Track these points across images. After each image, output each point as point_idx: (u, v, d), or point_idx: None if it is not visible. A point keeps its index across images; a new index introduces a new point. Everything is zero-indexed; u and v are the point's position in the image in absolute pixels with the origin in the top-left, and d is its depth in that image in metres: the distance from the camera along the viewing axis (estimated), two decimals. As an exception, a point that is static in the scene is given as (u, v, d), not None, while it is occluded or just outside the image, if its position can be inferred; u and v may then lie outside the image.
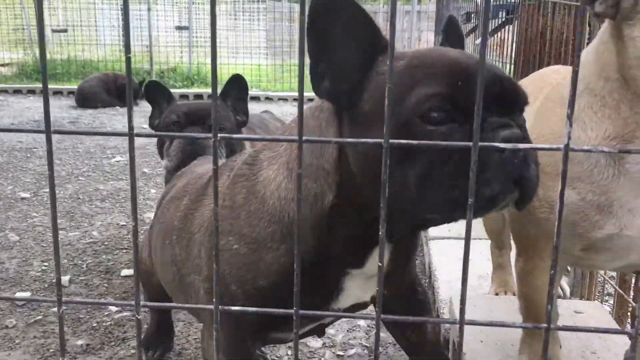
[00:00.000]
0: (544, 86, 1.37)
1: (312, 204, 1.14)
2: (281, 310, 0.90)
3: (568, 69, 1.28)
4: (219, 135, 0.80)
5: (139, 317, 0.80)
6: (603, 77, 1.12)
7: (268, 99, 9.58)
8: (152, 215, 3.67)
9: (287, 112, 8.20)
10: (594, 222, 1.18)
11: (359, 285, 1.23)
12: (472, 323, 0.82)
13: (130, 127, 0.82)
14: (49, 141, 0.71)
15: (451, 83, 0.95)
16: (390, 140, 0.77)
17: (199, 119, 2.43)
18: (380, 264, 0.70)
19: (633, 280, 1.98)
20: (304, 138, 0.76)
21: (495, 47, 4.65)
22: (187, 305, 0.90)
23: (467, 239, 0.71)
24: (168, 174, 2.79)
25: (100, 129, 6.47)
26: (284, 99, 9.54)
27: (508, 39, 4.25)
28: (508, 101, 0.99)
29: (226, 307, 0.75)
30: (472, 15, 5.19)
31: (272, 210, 1.19)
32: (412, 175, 0.97)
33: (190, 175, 1.73)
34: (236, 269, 1.22)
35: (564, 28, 2.73)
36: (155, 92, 2.61)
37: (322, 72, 1.06)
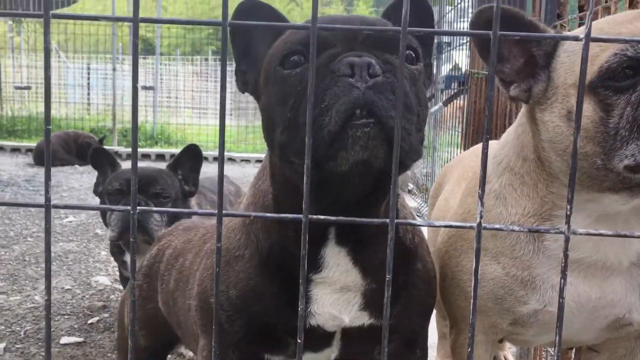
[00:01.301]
0: (474, 165, 1.42)
1: (262, 199, 1.23)
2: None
3: (498, 143, 1.33)
4: (137, 208, 0.80)
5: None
6: (522, 156, 1.16)
7: (231, 159, 9.60)
8: (100, 278, 3.59)
9: (249, 173, 8.22)
10: (518, 297, 1.20)
11: (330, 299, 1.19)
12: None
13: (47, 199, 0.81)
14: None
15: (306, 33, 0.99)
16: (310, 215, 0.79)
17: (143, 187, 2.41)
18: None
19: (573, 353, 1.99)
20: (224, 212, 0.78)
21: (457, 114, 4.81)
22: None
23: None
24: (112, 244, 2.74)
25: (55, 187, 6.36)
26: (247, 160, 9.58)
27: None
28: (375, 42, 0.99)
29: None
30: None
31: (240, 219, 1.28)
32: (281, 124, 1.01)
33: (196, 229, 1.72)
34: (214, 282, 1.26)
35: (507, 102, 2.85)
36: (100, 158, 2.61)
37: (243, 70, 1.19)
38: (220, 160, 0.76)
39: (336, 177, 0.99)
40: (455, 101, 4.66)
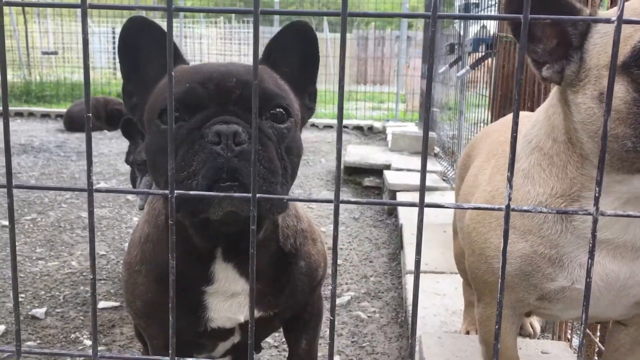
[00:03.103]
0: (503, 141, 1.41)
1: (154, 218, 1.35)
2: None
3: (529, 120, 1.32)
4: (175, 192, 0.83)
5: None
6: (552, 137, 1.16)
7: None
8: (133, 244, 3.69)
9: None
10: (546, 274, 1.22)
11: (224, 305, 1.35)
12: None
13: (90, 184, 0.84)
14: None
15: (184, 89, 1.08)
16: (341, 199, 0.81)
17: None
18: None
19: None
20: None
21: (485, 77, 4.73)
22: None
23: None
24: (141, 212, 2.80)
25: (84, 153, 6.46)
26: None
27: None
28: (247, 103, 1.08)
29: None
30: (455, 47, 5.28)
31: (136, 237, 1.41)
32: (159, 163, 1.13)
33: None
34: (124, 292, 1.46)
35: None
36: (131, 128, 2.65)
37: (131, 90, 1.23)
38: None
39: (211, 222, 1.13)
40: (477, 66, 4.57)
